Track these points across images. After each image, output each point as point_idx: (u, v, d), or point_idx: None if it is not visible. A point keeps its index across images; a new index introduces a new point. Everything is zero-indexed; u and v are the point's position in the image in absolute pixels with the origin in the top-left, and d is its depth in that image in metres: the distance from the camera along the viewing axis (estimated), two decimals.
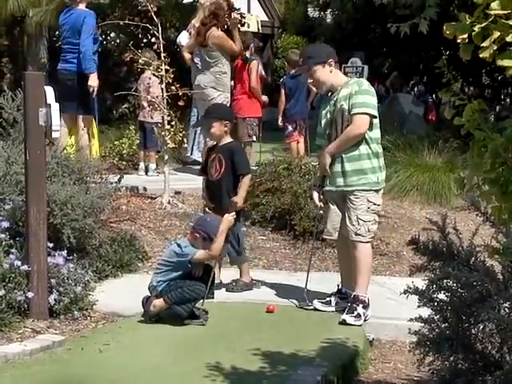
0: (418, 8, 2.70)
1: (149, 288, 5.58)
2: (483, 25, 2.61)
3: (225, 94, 9.46)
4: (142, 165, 10.66)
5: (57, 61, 9.26)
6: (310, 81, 6.08)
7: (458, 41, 2.66)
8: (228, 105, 9.05)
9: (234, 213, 5.93)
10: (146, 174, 10.52)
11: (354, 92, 5.68)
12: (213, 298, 5.66)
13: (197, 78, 9.58)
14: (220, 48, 9.39)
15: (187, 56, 9.82)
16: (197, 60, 9.69)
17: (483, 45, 2.62)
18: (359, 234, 5.71)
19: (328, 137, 5.83)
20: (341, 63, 11.36)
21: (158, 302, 5.46)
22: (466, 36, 2.64)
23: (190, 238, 5.71)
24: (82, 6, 8.97)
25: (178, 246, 5.60)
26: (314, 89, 9.88)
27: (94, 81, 8.61)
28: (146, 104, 9.77)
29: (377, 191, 5.79)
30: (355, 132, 5.66)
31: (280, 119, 11.17)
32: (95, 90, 8.65)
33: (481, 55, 2.61)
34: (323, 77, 5.82)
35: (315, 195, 6.00)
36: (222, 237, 5.73)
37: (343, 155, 5.72)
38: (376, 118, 5.72)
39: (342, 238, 5.91)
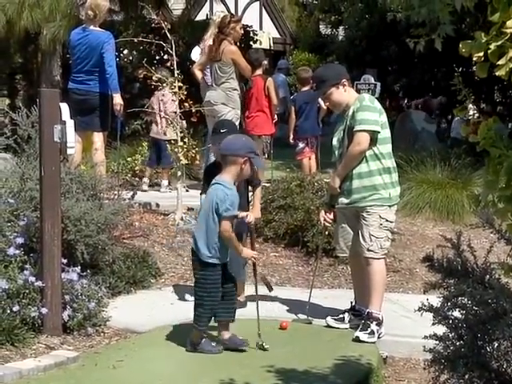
0: (433, 26, 2.71)
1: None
2: (499, 43, 2.62)
3: (235, 111, 9.46)
4: (145, 179, 10.66)
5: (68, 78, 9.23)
6: (326, 104, 6.09)
7: (474, 59, 2.67)
8: (238, 122, 9.05)
9: (256, 253, 5.67)
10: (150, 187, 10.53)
11: (356, 109, 5.71)
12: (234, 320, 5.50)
13: (207, 94, 9.60)
14: (235, 63, 9.40)
15: (198, 73, 9.82)
16: (207, 77, 9.71)
17: (499, 63, 2.63)
18: (372, 251, 5.71)
19: (340, 155, 5.86)
20: (353, 80, 11.37)
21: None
22: (481, 54, 2.65)
23: (229, 174, 5.27)
24: (97, 26, 8.86)
25: (222, 185, 5.21)
26: (324, 106, 9.94)
27: (120, 99, 8.64)
28: (159, 120, 9.79)
29: (389, 207, 5.78)
30: (356, 149, 5.68)
31: (291, 136, 11.12)
32: (121, 108, 8.68)
33: (497, 73, 2.62)
34: (339, 98, 5.85)
35: (322, 213, 6.10)
36: (237, 246, 5.46)
37: (354, 172, 5.73)
38: (379, 133, 5.70)
39: (355, 254, 5.90)
